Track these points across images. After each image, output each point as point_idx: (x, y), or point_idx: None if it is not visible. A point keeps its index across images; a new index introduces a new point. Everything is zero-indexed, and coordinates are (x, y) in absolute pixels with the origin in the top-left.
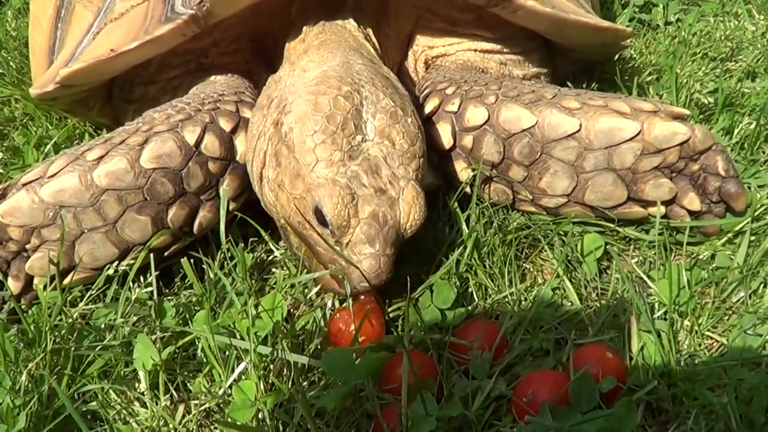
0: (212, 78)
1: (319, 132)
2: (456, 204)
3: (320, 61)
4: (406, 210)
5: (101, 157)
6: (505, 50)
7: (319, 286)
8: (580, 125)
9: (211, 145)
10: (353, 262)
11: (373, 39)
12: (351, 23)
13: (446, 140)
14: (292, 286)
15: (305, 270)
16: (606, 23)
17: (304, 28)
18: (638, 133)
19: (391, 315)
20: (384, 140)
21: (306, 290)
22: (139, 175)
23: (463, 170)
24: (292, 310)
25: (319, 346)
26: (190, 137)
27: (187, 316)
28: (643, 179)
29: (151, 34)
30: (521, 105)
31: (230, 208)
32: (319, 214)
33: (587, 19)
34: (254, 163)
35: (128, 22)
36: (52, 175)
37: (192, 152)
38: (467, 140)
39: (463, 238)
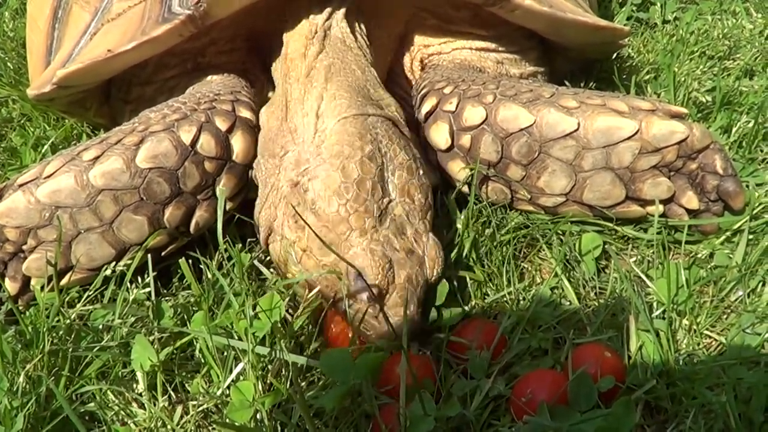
0: (209, 78)
1: (351, 201)
2: (454, 203)
3: (334, 111)
4: (431, 265)
5: (97, 158)
6: (501, 49)
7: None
8: (579, 124)
9: (207, 144)
10: (391, 323)
11: (369, 47)
12: (347, 33)
13: (444, 140)
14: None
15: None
16: (604, 22)
17: (304, 40)
18: (636, 132)
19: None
20: (405, 198)
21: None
22: (135, 175)
23: (461, 170)
24: (290, 310)
25: (318, 349)
26: (186, 137)
27: (185, 316)
28: (642, 178)
29: (148, 35)
30: (519, 104)
31: (227, 207)
32: (358, 281)
33: (585, 18)
34: (263, 213)
35: (125, 23)
36: (48, 176)
37: (188, 152)
38: (465, 140)
39: (461, 238)
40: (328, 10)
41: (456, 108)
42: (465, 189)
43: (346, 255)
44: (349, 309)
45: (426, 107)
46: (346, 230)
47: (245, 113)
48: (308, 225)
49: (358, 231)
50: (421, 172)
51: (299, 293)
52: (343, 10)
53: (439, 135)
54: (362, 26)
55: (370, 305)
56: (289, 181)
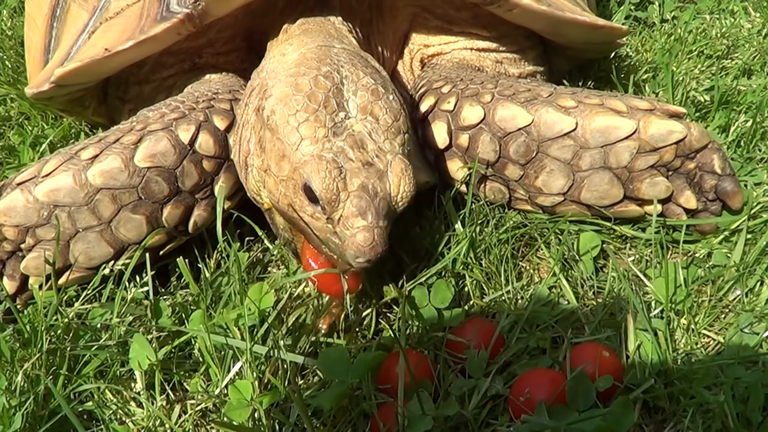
0: (207, 77)
1: (301, 111)
2: (452, 203)
3: (299, 45)
4: (395, 182)
5: (95, 156)
6: (501, 48)
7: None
8: (576, 124)
9: (205, 143)
10: (347, 237)
11: (359, 34)
12: (336, 17)
13: (442, 139)
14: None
15: (291, 250)
16: (602, 21)
17: (287, 23)
18: (634, 132)
19: (387, 315)
20: (367, 116)
21: (298, 286)
22: (134, 174)
23: (459, 169)
24: (286, 308)
25: (318, 350)
26: (185, 136)
27: (183, 315)
28: (640, 178)
29: (146, 33)
30: (517, 104)
31: (225, 206)
32: (308, 191)
33: (583, 17)
34: (239, 154)
35: (124, 21)
36: (47, 175)
37: (186, 151)
38: (463, 139)
39: (459, 237)
40: (322, 5)
41: (454, 107)
42: (463, 188)
43: (297, 164)
44: (309, 229)
45: (424, 106)
46: (297, 140)
47: None
48: (265, 142)
49: (309, 140)
50: (392, 97)
51: (278, 223)
52: (337, 6)
53: (437, 134)
54: (352, 25)
55: (321, 216)
56: (254, 109)
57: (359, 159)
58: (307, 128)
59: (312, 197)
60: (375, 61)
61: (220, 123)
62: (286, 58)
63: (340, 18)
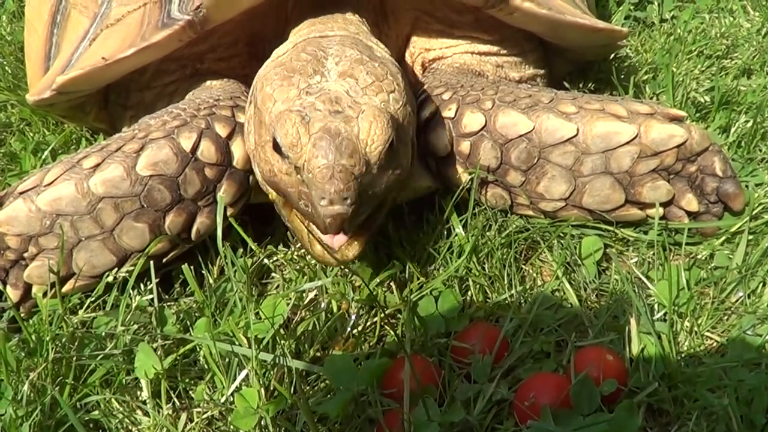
0: (208, 83)
1: (277, 79)
2: (454, 209)
3: (297, 39)
4: (365, 126)
5: (97, 165)
6: (502, 52)
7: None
8: (578, 130)
9: (207, 151)
10: (310, 180)
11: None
12: (346, 12)
13: (443, 146)
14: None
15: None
16: (602, 24)
17: (295, 27)
18: (635, 137)
19: (390, 321)
20: (346, 78)
21: (305, 295)
22: (136, 183)
23: (460, 175)
24: (291, 315)
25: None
26: (186, 143)
27: (188, 322)
28: (641, 182)
29: (147, 41)
30: (518, 110)
31: (228, 213)
32: (275, 145)
33: (584, 20)
34: (247, 147)
35: (125, 28)
36: (49, 184)
37: (188, 158)
38: (464, 146)
39: (461, 242)
40: (332, 9)
41: (455, 114)
42: (465, 194)
43: (269, 124)
44: (287, 190)
45: (425, 113)
46: (271, 104)
47: (244, 119)
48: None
49: (281, 101)
50: (377, 64)
51: (275, 200)
52: (347, 8)
53: (438, 141)
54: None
55: (291, 170)
56: (252, 102)
57: (327, 109)
58: (280, 91)
59: (278, 149)
60: (380, 46)
61: (222, 130)
62: (281, 50)
63: (350, 12)
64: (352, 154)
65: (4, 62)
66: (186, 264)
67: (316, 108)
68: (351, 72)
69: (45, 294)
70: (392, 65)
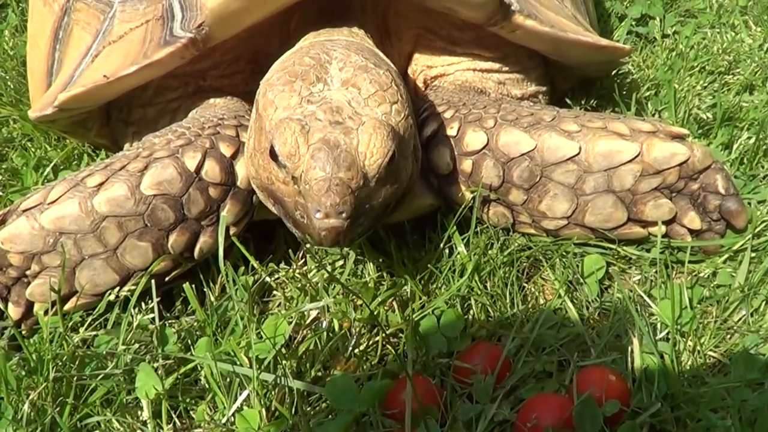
0: (211, 101)
1: (278, 85)
2: (456, 227)
3: (301, 43)
4: (365, 139)
5: (101, 184)
6: (504, 69)
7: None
8: (580, 148)
9: (211, 170)
10: (307, 192)
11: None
12: (350, 26)
13: (445, 164)
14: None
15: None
16: (605, 41)
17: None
18: (637, 155)
19: (392, 340)
20: (348, 87)
21: (307, 314)
22: (140, 202)
23: (463, 194)
24: (293, 334)
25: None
26: (191, 163)
27: (189, 341)
28: (643, 200)
29: (150, 58)
30: (520, 129)
31: (231, 232)
32: (273, 153)
33: (586, 37)
34: (246, 153)
35: (127, 45)
36: (52, 202)
37: (192, 178)
38: (466, 164)
39: (464, 261)
40: (335, 24)
41: (457, 133)
42: (467, 213)
43: (268, 131)
44: (284, 199)
45: (427, 131)
46: (272, 110)
47: None
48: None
49: (281, 108)
50: (381, 72)
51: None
52: (353, 27)
53: (440, 160)
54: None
55: (289, 179)
56: (255, 108)
57: (328, 119)
58: (281, 98)
59: (276, 157)
60: (384, 57)
61: (226, 150)
62: (286, 55)
63: (355, 27)
64: (350, 167)
65: (7, 77)
66: (187, 282)
67: (316, 117)
68: (354, 80)
69: (46, 312)
70: (397, 75)
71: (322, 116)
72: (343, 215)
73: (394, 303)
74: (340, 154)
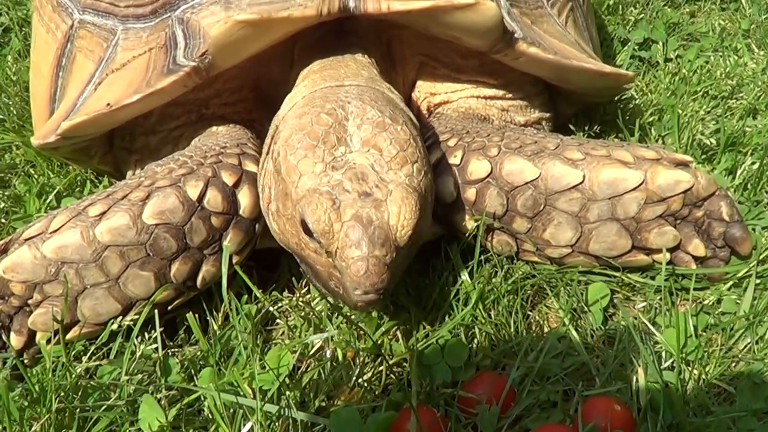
0: (214, 129)
1: (300, 148)
2: (459, 256)
3: (311, 86)
4: (395, 211)
5: (103, 213)
6: (507, 96)
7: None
8: (584, 176)
9: (213, 199)
10: (344, 269)
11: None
12: (356, 53)
13: (449, 193)
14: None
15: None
16: (609, 68)
17: (304, 69)
18: (642, 183)
19: (396, 369)
20: (370, 149)
21: (311, 344)
22: (142, 231)
23: (466, 222)
24: (297, 364)
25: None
26: (193, 192)
27: (193, 371)
28: (647, 228)
29: (153, 87)
30: (524, 157)
31: (234, 261)
32: (305, 226)
33: (590, 64)
34: (263, 201)
35: (130, 73)
36: (54, 231)
37: (195, 207)
38: (470, 193)
39: (468, 290)
40: (338, 52)
41: (461, 161)
42: (471, 241)
43: (296, 201)
44: (315, 266)
45: (431, 160)
46: (296, 177)
47: (252, 167)
48: (274, 185)
49: (306, 175)
50: (399, 128)
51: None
52: (357, 54)
53: (444, 188)
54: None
55: (321, 251)
56: (270, 154)
57: (356, 190)
58: (304, 164)
59: (308, 231)
60: (393, 91)
61: (229, 179)
62: (296, 101)
63: (360, 53)
64: (384, 243)
65: (10, 102)
66: (190, 312)
67: (344, 188)
68: (375, 141)
69: (48, 341)
70: (412, 125)
71: (349, 186)
72: (376, 284)
73: (398, 332)
74: (374, 231)
